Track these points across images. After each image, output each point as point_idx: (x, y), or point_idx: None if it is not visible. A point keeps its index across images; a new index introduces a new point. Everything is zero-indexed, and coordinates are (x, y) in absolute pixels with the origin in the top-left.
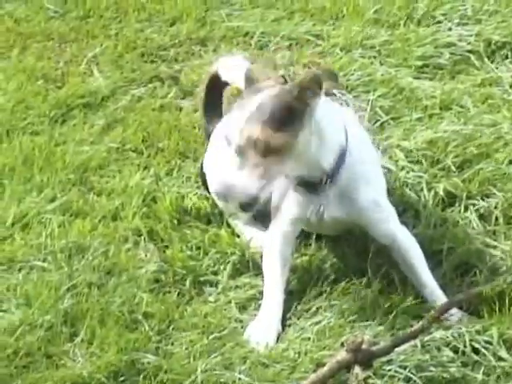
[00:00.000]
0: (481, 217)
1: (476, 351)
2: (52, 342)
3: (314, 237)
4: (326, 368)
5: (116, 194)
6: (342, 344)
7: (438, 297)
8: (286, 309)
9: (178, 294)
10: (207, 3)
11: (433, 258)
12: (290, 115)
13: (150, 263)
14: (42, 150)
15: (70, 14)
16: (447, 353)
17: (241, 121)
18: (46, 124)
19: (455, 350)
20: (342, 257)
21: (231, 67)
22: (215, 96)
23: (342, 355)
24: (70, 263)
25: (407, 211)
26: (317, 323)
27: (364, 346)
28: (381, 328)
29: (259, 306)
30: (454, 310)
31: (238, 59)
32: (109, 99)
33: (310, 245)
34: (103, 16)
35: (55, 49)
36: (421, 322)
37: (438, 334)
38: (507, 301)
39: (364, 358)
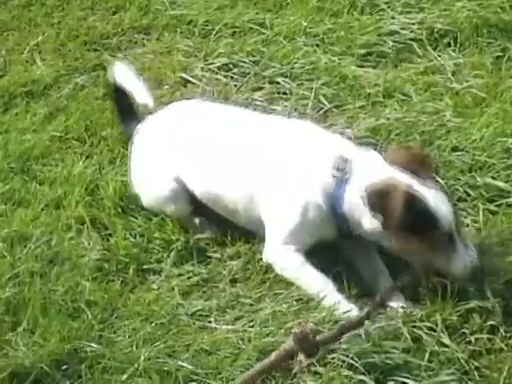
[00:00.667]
0: None
1: (419, 338)
2: None
3: None
4: (272, 356)
5: (59, 183)
6: (286, 332)
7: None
8: (230, 296)
9: (122, 282)
10: None
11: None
12: None
13: (93, 251)
14: None
15: (11, 1)
16: (390, 340)
17: None
18: None
19: (398, 338)
20: None
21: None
22: (124, 102)
23: (289, 344)
24: (13, 252)
25: None
26: (260, 310)
27: (309, 335)
28: (323, 315)
29: (203, 292)
30: (396, 297)
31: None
32: (51, 88)
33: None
34: (46, 4)
35: None
36: (365, 309)
37: (381, 321)
38: (449, 287)
39: (309, 346)
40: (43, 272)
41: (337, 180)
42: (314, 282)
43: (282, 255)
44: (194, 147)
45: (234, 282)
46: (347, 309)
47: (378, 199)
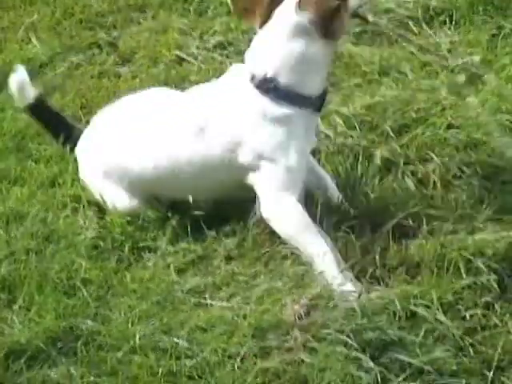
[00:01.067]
0: (418, 181)
1: (414, 315)
2: None
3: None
4: None
5: (54, 161)
6: (281, 308)
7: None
8: (225, 273)
9: (117, 260)
10: None
11: (371, 223)
12: None
13: (88, 230)
14: None
15: None
16: (385, 317)
17: None
18: None
19: (393, 314)
20: None
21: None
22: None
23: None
24: (8, 230)
25: (345, 177)
26: (255, 287)
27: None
28: (317, 291)
29: (198, 270)
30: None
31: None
32: (47, 66)
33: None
34: None
35: None
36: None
37: (376, 298)
38: (445, 264)
39: (304, 322)
40: (39, 250)
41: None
42: (314, 246)
43: (286, 205)
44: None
45: (229, 259)
46: (342, 282)
47: None
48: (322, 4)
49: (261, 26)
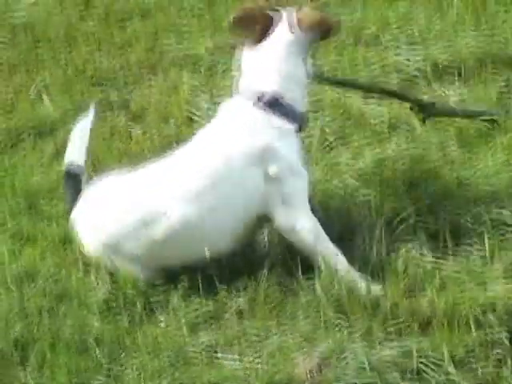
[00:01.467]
0: (430, 236)
1: (425, 370)
2: (3, 368)
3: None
4: None
5: (66, 220)
6: (293, 364)
7: None
8: (237, 329)
9: (129, 318)
10: (156, 28)
11: (384, 277)
12: None
13: (100, 288)
14: None
15: (19, 42)
16: (396, 372)
17: None
18: None
19: (404, 369)
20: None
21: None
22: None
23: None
24: (21, 289)
25: (356, 232)
26: (267, 343)
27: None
28: (329, 345)
29: (210, 325)
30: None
31: None
32: (58, 125)
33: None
34: (53, 43)
35: (4, 77)
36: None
37: (387, 352)
38: (456, 319)
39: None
40: (51, 309)
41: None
42: (337, 255)
43: (306, 215)
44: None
45: (240, 314)
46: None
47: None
48: (323, 24)
49: (256, 45)
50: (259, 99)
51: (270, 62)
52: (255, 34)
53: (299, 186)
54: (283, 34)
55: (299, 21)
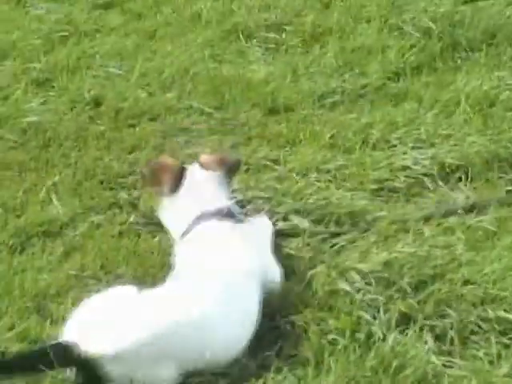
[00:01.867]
0: (436, 337)
1: None
2: None
3: None
4: None
5: None
6: None
7: None
8: None
9: None
10: (165, 131)
11: (390, 378)
12: None
13: None
14: (1, 278)
15: (29, 143)
16: None
17: None
18: (5, 253)
19: None
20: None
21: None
22: None
23: None
24: None
25: (363, 333)
26: None
27: None
28: None
29: None
30: None
31: None
32: (68, 227)
33: None
34: (63, 145)
35: (14, 178)
36: None
37: None
38: None
39: None
40: None
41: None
42: None
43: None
44: None
45: None
46: None
47: None
48: (223, 162)
49: (171, 192)
50: (222, 214)
51: (206, 190)
52: (169, 184)
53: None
54: (199, 173)
55: (203, 164)
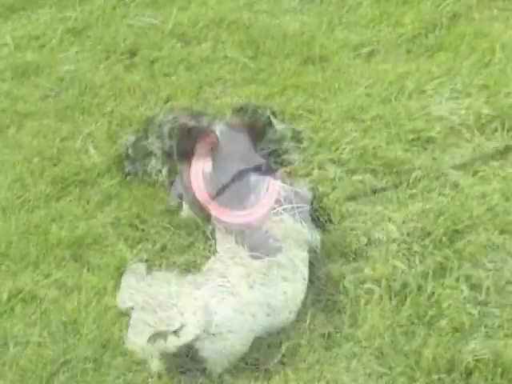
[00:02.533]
0: (472, 287)
1: None
2: None
3: None
4: None
5: (112, 270)
6: None
7: None
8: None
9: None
10: (201, 80)
11: (425, 327)
12: None
13: None
14: (38, 226)
15: (65, 91)
16: None
17: None
18: (42, 201)
19: None
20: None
21: None
22: None
23: None
24: (65, 338)
25: (398, 283)
26: None
27: None
28: None
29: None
30: None
31: None
32: (104, 175)
33: None
34: (98, 94)
35: (51, 127)
36: None
37: None
38: (499, 370)
39: None
40: (95, 358)
41: None
42: None
43: None
44: None
45: (283, 364)
46: None
47: None
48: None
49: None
50: None
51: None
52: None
53: None
54: (230, 134)
55: (232, 126)
